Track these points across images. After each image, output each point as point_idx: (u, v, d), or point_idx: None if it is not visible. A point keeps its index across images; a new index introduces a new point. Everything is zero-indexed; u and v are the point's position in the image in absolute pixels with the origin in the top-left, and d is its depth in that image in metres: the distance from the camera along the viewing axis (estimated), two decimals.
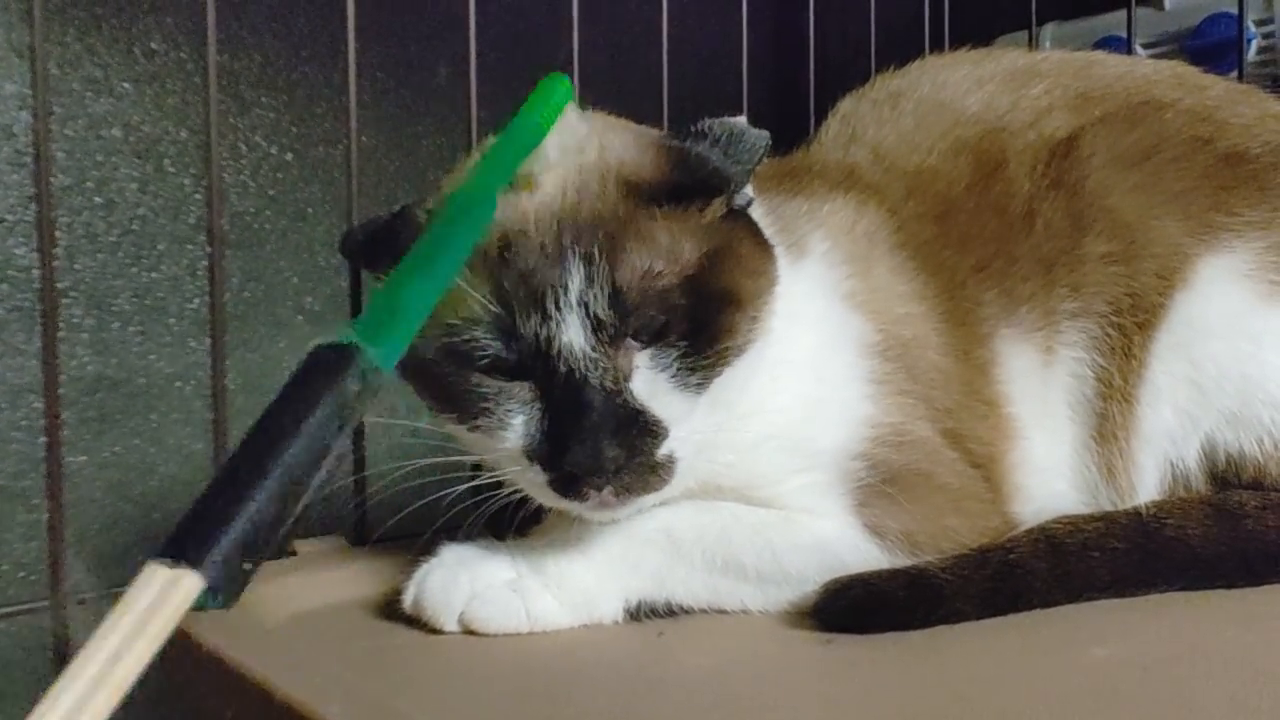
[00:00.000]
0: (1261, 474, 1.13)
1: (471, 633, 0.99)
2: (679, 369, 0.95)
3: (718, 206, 1.00)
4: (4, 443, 1.59)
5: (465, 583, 1.00)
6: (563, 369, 0.92)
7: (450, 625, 1.00)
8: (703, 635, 1.01)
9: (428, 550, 1.06)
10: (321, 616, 1.12)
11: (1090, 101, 1.26)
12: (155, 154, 1.72)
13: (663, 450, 0.94)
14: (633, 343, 0.94)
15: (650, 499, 0.98)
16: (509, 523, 1.07)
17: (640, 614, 1.02)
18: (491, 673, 0.92)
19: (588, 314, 0.91)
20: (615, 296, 0.92)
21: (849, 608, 0.98)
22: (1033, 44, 2.02)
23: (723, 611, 1.05)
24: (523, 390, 0.95)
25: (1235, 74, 1.82)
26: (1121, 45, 1.94)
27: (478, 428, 0.96)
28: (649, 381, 0.95)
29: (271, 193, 1.85)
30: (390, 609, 1.07)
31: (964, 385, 1.15)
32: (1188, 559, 1.04)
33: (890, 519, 1.06)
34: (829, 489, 1.07)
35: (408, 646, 0.99)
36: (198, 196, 1.74)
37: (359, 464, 1.42)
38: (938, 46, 2.04)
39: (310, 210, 1.89)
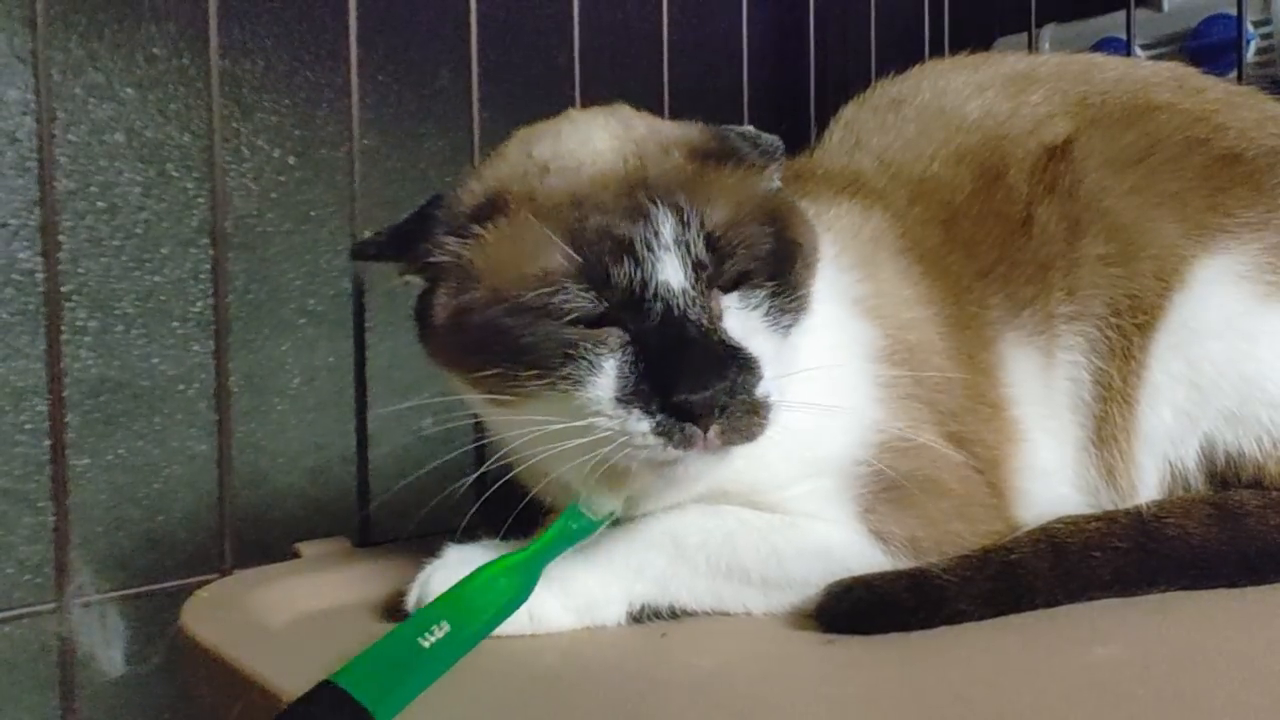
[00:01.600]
0: (1261, 473, 1.14)
1: None
2: (769, 309, 0.99)
3: (771, 173, 1.06)
4: (9, 446, 1.60)
5: None
6: (659, 309, 0.93)
7: None
8: (705, 636, 1.01)
9: (431, 551, 1.06)
10: (325, 618, 1.12)
11: (1089, 106, 1.26)
12: (159, 158, 1.73)
13: (760, 390, 0.93)
14: (717, 291, 0.97)
15: (743, 450, 0.97)
16: (514, 523, 1.08)
17: (643, 617, 1.03)
18: (494, 673, 0.93)
19: (688, 253, 0.94)
20: (710, 239, 0.96)
21: (852, 609, 0.99)
22: (1032, 45, 2.02)
23: (725, 614, 1.05)
24: (611, 337, 0.94)
25: (1234, 75, 1.83)
26: (1121, 46, 1.94)
27: (562, 378, 0.93)
28: (741, 321, 0.97)
29: (274, 195, 1.86)
30: (394, 610, 1.07)
31: (969, 389, 1.15)
32: (1189, 558, 1.05)
33: (895, 524, 1.06)
34: (835, 494, 1.07)
35: None
36: (201, 200, 1.75)
37: (362, 465, 1.43)
38: (937, 47, 2.05)
39: (313, 213, 1.89)
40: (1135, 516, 1.07)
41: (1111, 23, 2.02)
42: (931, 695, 0.85)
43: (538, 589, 0.99)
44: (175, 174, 1.74)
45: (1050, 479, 1.18)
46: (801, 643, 0.98)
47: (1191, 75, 1.32)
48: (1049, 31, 2.12)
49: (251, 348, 1.84)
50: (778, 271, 1.00)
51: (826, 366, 1.03)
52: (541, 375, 0.94)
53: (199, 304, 1.76)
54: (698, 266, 0.95)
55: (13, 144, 1.59)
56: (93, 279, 1.67)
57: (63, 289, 1.62)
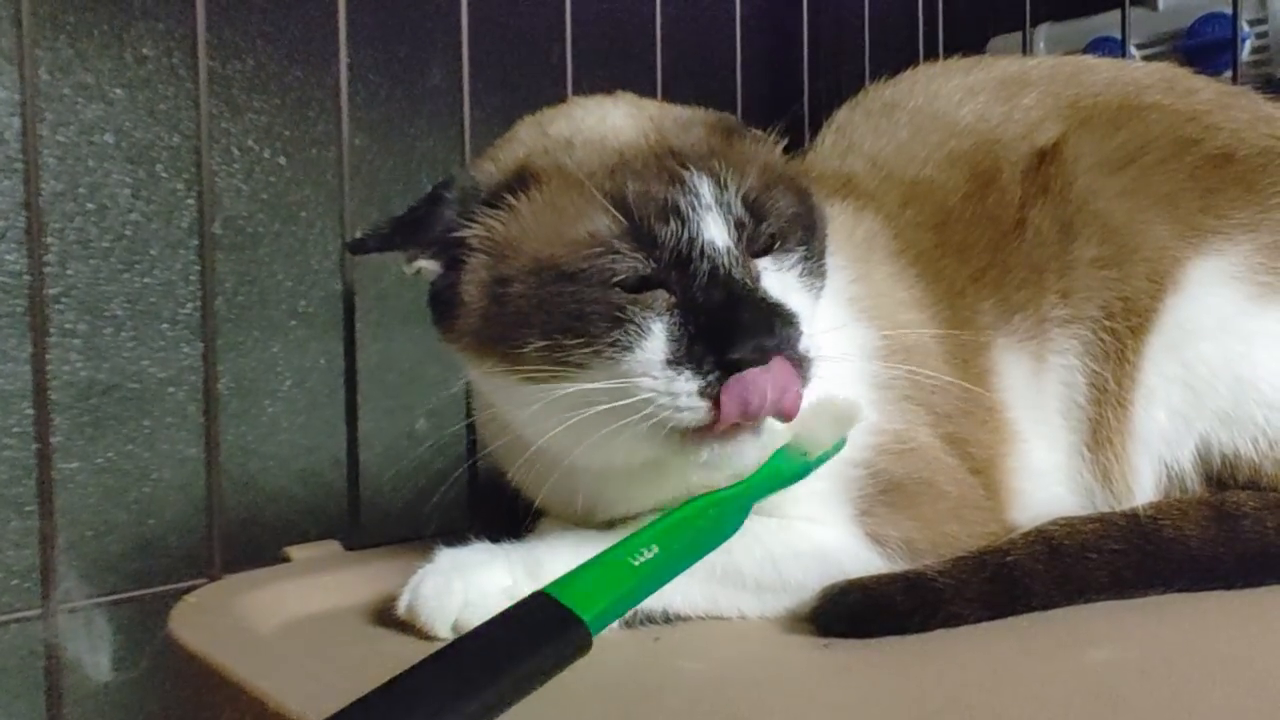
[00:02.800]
0: (1257, 474, 1.14)
1: None
2: (802, 271, 1.00)
3: (780, 150, 1.10)
4: None
5: (459, 590, 0.99)
6: (705, 268, 0.93)
7: (444, 633, 0.98)
8: (699, 640, 1.00)
9: (422, 555, 1.05)
10: (316, 623, 1.11)
11: (1081, 109, 1.27)
12: (147, 159, 1.72)
13: (803, 345, 0.94)
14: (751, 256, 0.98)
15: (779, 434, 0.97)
16: (506, 526, 1.07)
17: (635, 622, 1.02)
18: None
19: (730, 212, 0.96)
20: (749, 201, 0.97)
21: (848, 612, 0.98)
22: (1027, 45, 2.02)
23: (719, 618, 1.04)
24: (658, 300, 0.94)
25: (1229, 74, 1.82)
26: (1115, 45, 1.94)
27: (610, 344, 0.93)
28: (778, 281, 0.98)
29: (264, 196, 1.85)
30: (384, 615, 1.06)
31: (964, 391, 1.15)
32: (1186, 560, 1.04)
33: (891, 527, 1.06)
34: (830, 497, 1.07)
35: (401, 653, 0.98)
36: (190, 201, 1.74)
37: (353, 468, 1.42)
38: (932, 47, 2.04)
39: (303, 213, 1.89)
40: (1132, 518, 1.07)
41: (1106, 22, 2.02)
42: (928, 698, 0.84)
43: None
44: (164, 175, 1.73)
45: (1044, 479, 1.18)
46: (797, 646, 0.98)
47: (1183, 76, 1.32)
48: (1044, 30, 2.12)
49: (241, 350, 1.83)
50: (806, 236, 1.02)
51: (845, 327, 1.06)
52: (589, 342, 0.93)
53: (189, 306, 1.75)
54: (739, 226, 0.96)
55: (0, 144, 1.58)
56: (82, 281, 1.66)
57: (51, 291, 1.61)
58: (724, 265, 0.94)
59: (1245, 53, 1.88)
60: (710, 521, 0.95)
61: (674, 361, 0.91)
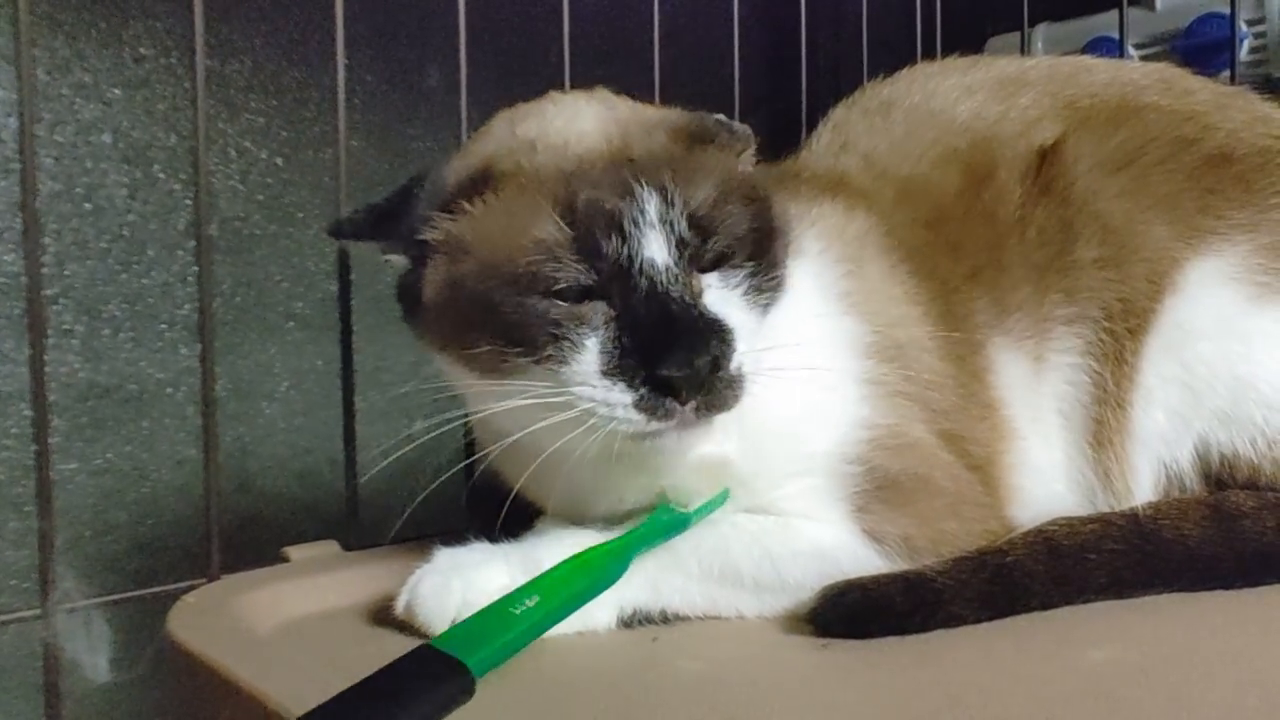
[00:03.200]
0: (1256, 473, 1.13)
1: None
2: (748, 288, 1.01)
3: (748, 157, 1.09)
4: None
5: (457, 590, 0.99)
6: (644, 284, 0.95)
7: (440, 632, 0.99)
8: (697, 640, 1.00)
9: (420, 554, 1.05)
10: (314, 623, 1.11)
11: (1079, 109, 1.27)
12: (145, 159, 1.72)
13: (734, 362, 0.95)
14: (697, 273, 0.99)
15: (720, 420, 0.98)
16: (504, 525, 1.07)
17: (634, 622, 1.02)
18: (484, 679, 0.91)
19: (672, 231, 0.96)
20: (694, 219, 0.98)
21: (847, 613, 0.98)
22: (1025, 45, 2.02)
23: (717, 618, 1.04)
24: (595, 313, 0.95)
25: (1227, 74, 1.83)
26: (1113, 46, 1.95)
27: (547, 357, 0.95)
28: (721, 299, 0.99)
29: (261, 197, 1.85)
30: (382, 615, 1.06)
31: (961, 388, 1.15)
32: (1185, 560, 1.04)
33: (888, 524, 1.06)
34: (826, 495, 1.07)
35: (399, 653, 0.98)
36: (188, 202, 1.74)
37: (350, 466, 1.42)
38: (930, 47, 2.04)
39: (300, 215, 1.88)
40: (1131, 518, 1.07)
41: (1104, 22, 2.02)
42: (926, 698, 0.84)
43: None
44: (161, 175, 1.73)
45: (1044, 476, 1.18)
46: (795, 646, 0.97)
47: (1180, 76, 1.32)
48: (1042, 31, 2.12)
49: (239, 352, 1.83)
50: (756, 251, 1.02)
51: (805, 343, 1.04)
52: (528, 351, 0.95)
53: (186, 307, 1.75)
54: (680, 244, 0.97)
55: None
56: (79, 282, 1.66)
57: (49, 292, 1.61)
58: (661, 282, 0.95)
59: (1243, 53, 1.89)
60: (594, 572, 0.98)
61: (608, 373, 0.94)
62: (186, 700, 1.04)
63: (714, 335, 0.94)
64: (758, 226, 1.03)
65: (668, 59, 1.77)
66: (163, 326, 1.73)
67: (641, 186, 0.96)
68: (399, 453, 1.04)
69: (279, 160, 1.86)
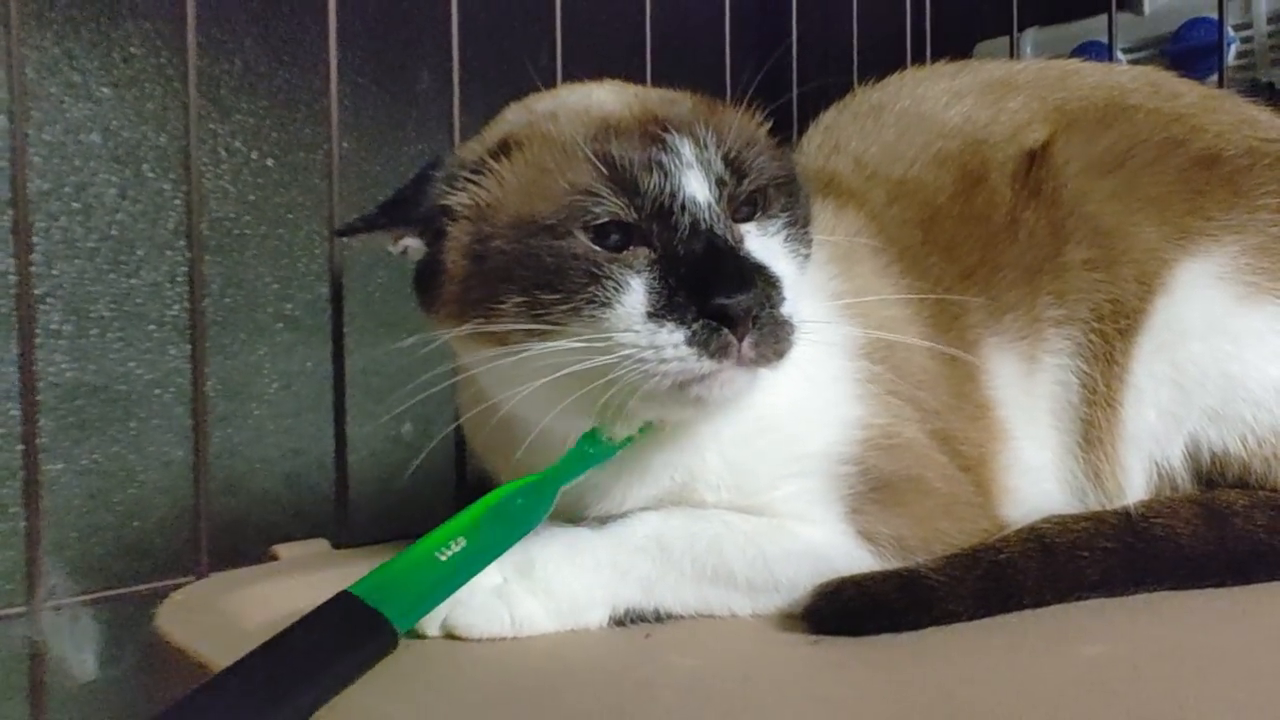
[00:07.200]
0: (1246, 471, 1.14)
1: (454, 637, 0.98)
2: (786, 237, 1.01)
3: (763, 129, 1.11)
4: None
5: None
6: (687, 222, 0.94)
7: (432, 630, 0.98)
8: (690, 637, 1.00)
9: None
10: None
11: (1067, 112, 1.28)
12: (134, 159, 1.71)
13: (786, 307, 0.94)
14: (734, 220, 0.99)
15: (769, 373, 0.96)
16: None
17: (627, 620, 1.01)
18: (476, 676, 0.91)
19: (709, 170, 0.97)
20: (729, 159, 0.99)
21: (842, 610, 0.98)
22: (1013, 49, 2.02)
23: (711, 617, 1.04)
24: (638, 258, 0.95)
25: (1215, 78, 1.84)
26: (1102, 50, 1.95)
27: (587, 302, 0.93)
28: (761, 245, 0.99)
29: (251, 198, 1.84)
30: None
31: (953, 388, 1.15)
32: (1176, 558, 1.04)
33: (882, 524, 1.06)
34: (820, 495, 1.07)
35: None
36: (177, 202, 1.74)
37: (341, 466, 1.41)
38: (919, 50, 2.05)
39: (290, 216, 1.88)
40: (1123, 517, 1.07)
41: (1093, 26, 2.02)
42: (919, 695, 0.84)
43: (520, 592, 0.98)
44: (151, 175, 1.72)
45: (1036, 476, 1.18)
46: (788, 643, 0.97)
47: (1167, 80, 1.33)
48: (1030, 35, 2.13)
49: (228, 352, 1.82)
50: (790, 202, 1.03)
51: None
52: (567, 298, 0.93)
53: (175, 308, 1.74)
54: (720, 183, 0.97)
55: None
56: (67, 281, 1.65)
57: (37, 291, 1.60)
58: (705, 219, 0.95)
59: (1231, 57, 1.89)
60: (518, 510, 0.96)
61: (655, 314, 0.91)
62: (173, 697, 1.03)
63: (760, 274, 0.93)
64: (785, 175, 1.04)
65: (659, 64, 1.77)
66: (151, 327, 1.73)
67: (672, 134, 0.97)
68: (391, 461, 1.04)
69: (269, 161, 1.86)
